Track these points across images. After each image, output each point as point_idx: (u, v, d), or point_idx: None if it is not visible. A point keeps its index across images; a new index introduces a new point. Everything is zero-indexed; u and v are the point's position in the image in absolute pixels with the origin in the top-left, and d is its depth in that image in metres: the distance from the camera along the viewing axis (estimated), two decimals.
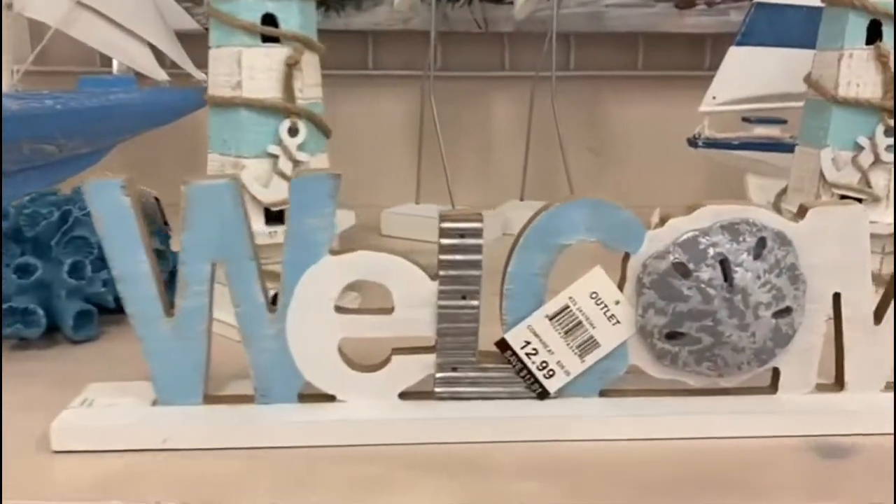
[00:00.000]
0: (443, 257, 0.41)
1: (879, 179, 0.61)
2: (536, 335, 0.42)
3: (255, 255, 0.41)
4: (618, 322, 0.42)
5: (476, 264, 0.41)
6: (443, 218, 0.41)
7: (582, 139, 1.09)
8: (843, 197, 0.62)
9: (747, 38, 0.81)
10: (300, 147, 0.56)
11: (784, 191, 0.68)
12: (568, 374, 0.43)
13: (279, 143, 0.56)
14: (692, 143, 0.84)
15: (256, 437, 0.41)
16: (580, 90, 1.07)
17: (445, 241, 0.41)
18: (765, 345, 0.42)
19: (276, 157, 0.56)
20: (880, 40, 0.59)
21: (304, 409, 0.42)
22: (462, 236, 0.41)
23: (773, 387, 0.45)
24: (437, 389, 0.43)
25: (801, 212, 0.42)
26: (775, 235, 0.41)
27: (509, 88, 1.06)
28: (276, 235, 0.56)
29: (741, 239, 0.41)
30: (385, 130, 1.06)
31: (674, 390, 0.44)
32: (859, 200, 0.62)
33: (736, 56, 0.81)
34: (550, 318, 0.42)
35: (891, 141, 0.59)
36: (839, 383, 0.45)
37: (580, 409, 0.43)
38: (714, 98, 0.84)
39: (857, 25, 0.60)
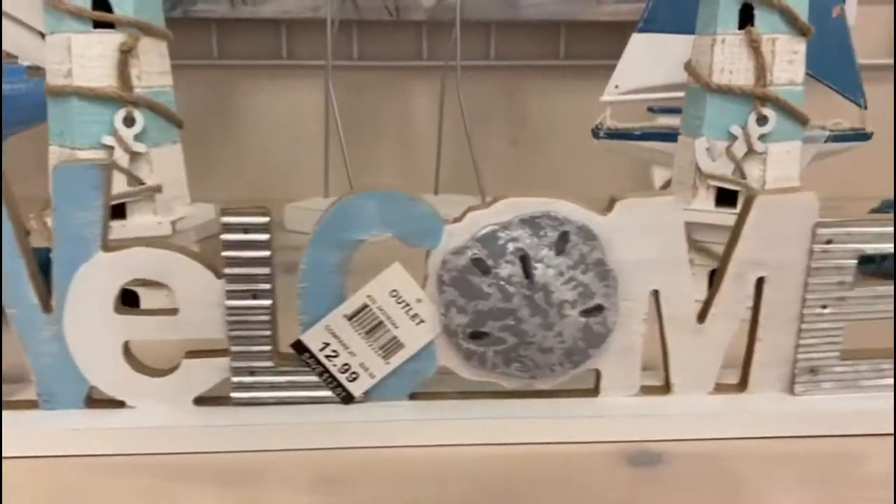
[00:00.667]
0: (227, 254, 0.38)
1: (754, 170, 0.58)
2: (335, 336, 0.40)
3: (26, 252, 0.38)
4: (422, 321, 0.40)
5: (265, 261, 0.38)
6: (224, 212, 0.38)
7: (504, 130, 1.07)
8: (719, 189, 0.60)
9: (650, 24, 0.78)
10: (138, 137, 0.54)
11: (668, 183, 0.65)
12: (373, 376, 0.41)
13: (114, 133, 0.53)
14: (595, 134, 0.81)
15: (33, 446, 0.39)
16: (501, 80, 1.05)
17: (229, 237, 0.38)
18: (576, 345, 0.40)
19: (111, 148, 0.53)
20: (752, 24, 0.57)
21: (89, 416, 0.40)
22: (246, 231, 0.38)
23: (596, 389, 0.42)
24: (234, 395, 0.41)
25: (610, 204, 0.39)
26: (579, 229, 0.38)
27: (429, 78, 1.03)
28: (123, 229, 0.54)
29: (542, 233, 0.38)
30: (300, 122, 1.03)
31: (491, 393, 0.42)
32: (735, 193, 0.60)
33: (638, 43, 0.79)
34: (349, 318, 0.40)
35: (764, 130, 0.57)
36: (666, 385, 0.42)
37: (387, 414, 0.41)
38: (616, 87, 0.81)
39: (729, 9, 0.57)
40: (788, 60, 0.57)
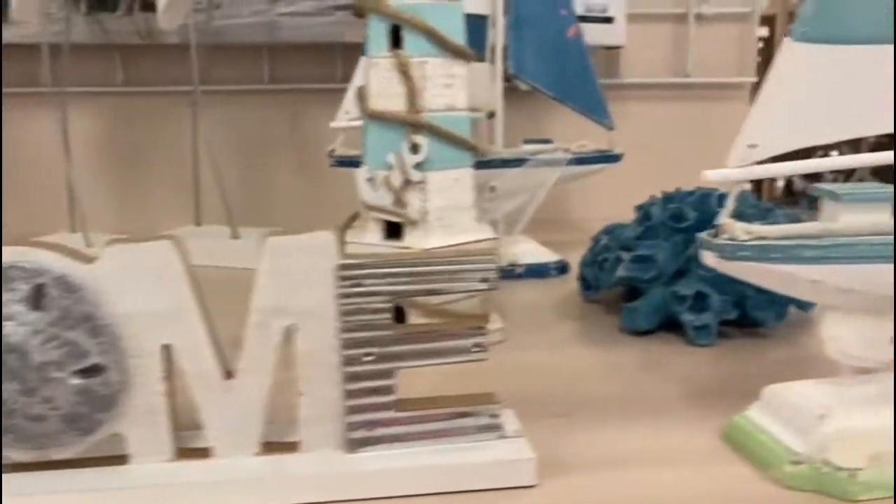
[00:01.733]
0: None
1: (415, 200, 0.55)
2: None
3: None
4: None
5: None
6: None
7: (288, 155, 1.03)
8: (389, 222, 0.56)
9: None
10: None
11: (354, 217, 0.62)
12: None
13: None
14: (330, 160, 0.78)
15: None
16: (282, 104, 1.01)
17: None
18: (76, 410, 0.35)
19: None
20: (400, 48, 0.54)
21: None
22: None
23: (124, 457, 0.38)
24: None
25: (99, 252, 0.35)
26: (57, 281, 0.34)
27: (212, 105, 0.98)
28: None
29: (13, 287, 0.34)
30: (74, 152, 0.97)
31: (8, 466, 0.37)
32: (399, 225, 0.56)
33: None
34: None
35: (418, 158, 0.54)
36: (206, 448, 0.38)
37: None
38: (347, 113, 0.78)
39: (378, 31, 0.54)
40: (444, 84, 0.54)
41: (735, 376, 0.53)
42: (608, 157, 0.81)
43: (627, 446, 0.43)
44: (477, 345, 0.38)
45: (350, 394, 0.38)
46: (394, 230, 0.57)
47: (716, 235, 0.38)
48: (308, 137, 1.02)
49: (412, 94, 0.53)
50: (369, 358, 0.37)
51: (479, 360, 0.38)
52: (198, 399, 0.37)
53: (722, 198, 0.61)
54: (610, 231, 0.69)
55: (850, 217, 0.38)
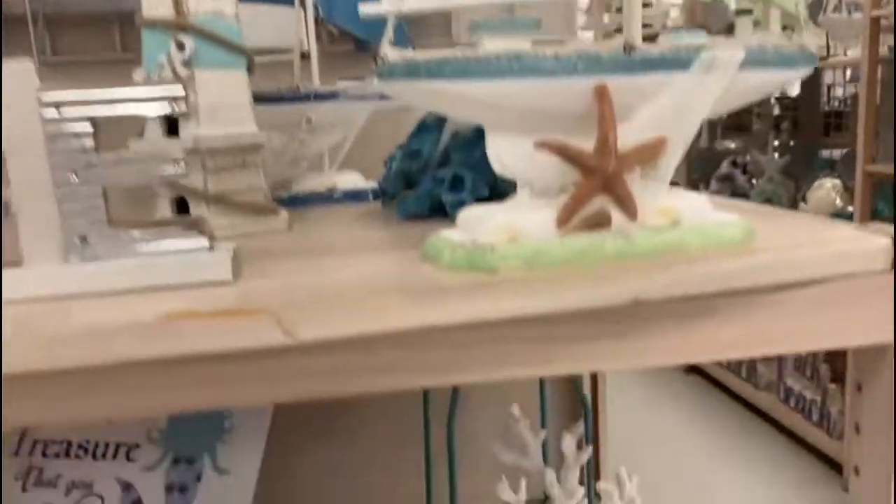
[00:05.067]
0: None
1: (189, 96, 0.61)
2: None
3: None
4: None
5: None
6: None
7: None
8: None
9: None
10: None
11: None
12: None
13: None
14: None
15: None
16: None
17: None
18: None
19: None
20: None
21: None
22: None
23: None
24: None
25: None
26: None
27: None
28: None
29: None
30: None
31: None
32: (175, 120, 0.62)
33: None
34: None
35: (184, 55, 0.60)
36: None
37: None
38: None
39: None
40: None
41: None
42: None
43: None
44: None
45: (64, 211, 0.43)
46: (172, 126, 0.62)
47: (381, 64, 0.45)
48: None
49: (177, 1, 0.60)
50: (76, 177, 0.43)
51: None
52: None
53: None
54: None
55: (491, 43, 0.45)
